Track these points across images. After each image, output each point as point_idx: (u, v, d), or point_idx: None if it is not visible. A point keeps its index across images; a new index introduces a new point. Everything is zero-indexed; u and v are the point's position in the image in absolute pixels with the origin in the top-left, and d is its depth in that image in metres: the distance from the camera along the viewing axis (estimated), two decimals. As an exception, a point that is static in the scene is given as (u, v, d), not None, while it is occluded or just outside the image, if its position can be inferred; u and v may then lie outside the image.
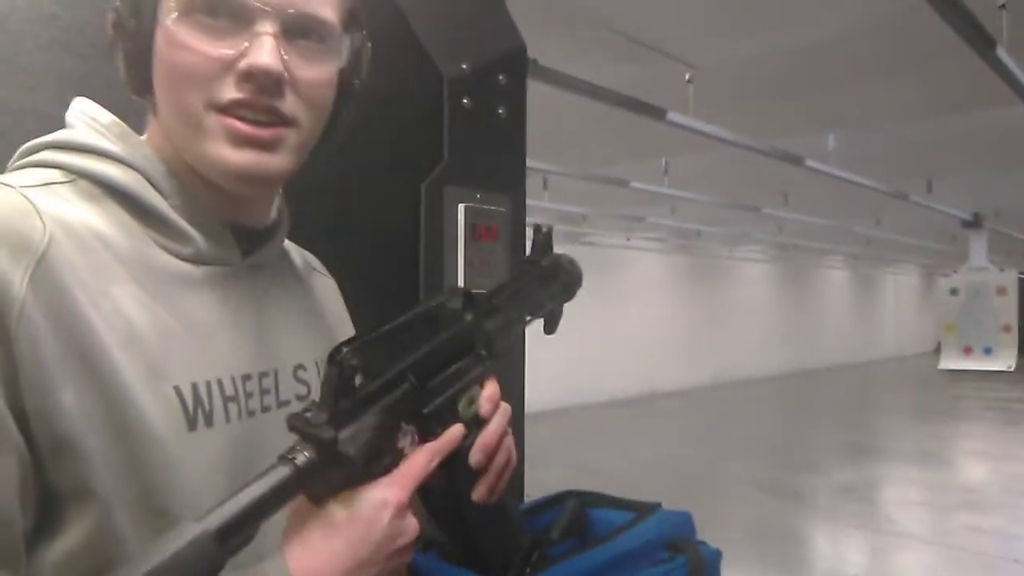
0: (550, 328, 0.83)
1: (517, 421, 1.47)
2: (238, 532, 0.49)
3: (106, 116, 0.64)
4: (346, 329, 0.80)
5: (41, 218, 0.55)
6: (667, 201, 6.13)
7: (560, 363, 9.17)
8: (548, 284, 0.82)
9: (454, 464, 0.65)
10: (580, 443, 8.18)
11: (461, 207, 1.29)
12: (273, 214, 0.74)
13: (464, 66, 1.32)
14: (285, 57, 0.59)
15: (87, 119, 0.63)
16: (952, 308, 6.05)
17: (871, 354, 17.95)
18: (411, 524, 0.58)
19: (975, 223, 5.94)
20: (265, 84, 0.58)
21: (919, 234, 9.09)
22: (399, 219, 1.25)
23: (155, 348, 0.58)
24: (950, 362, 6.14)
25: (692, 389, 12.15)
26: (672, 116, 2.99)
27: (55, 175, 0.60)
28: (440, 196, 1.28)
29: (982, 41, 2.22)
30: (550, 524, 1.25)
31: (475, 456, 0.67)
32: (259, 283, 0.69)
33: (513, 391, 1.42)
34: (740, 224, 8.13)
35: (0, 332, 0.51)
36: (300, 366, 0.71)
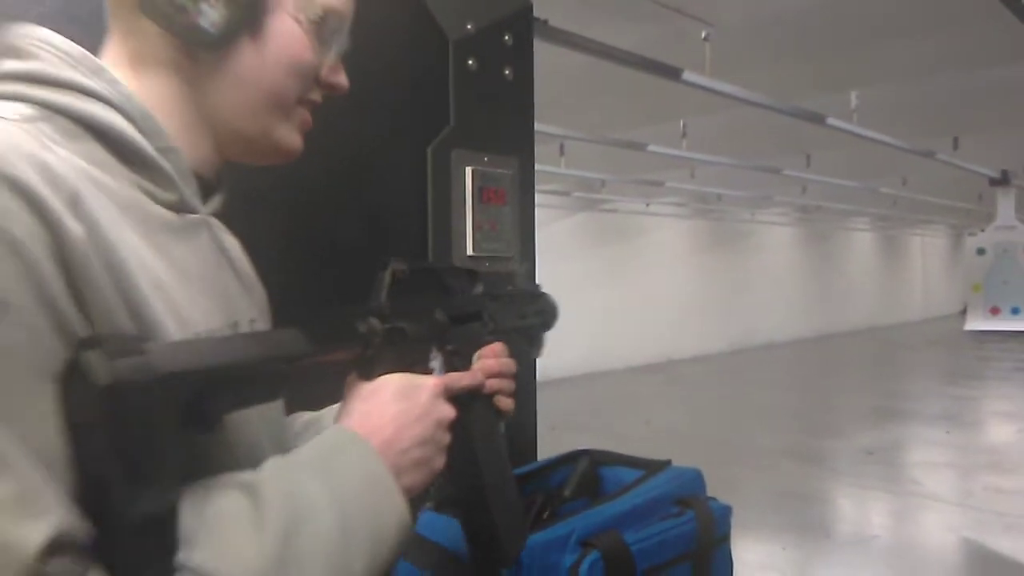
0: (537, 351, 0.96)
1: (529, 390, 1.48)
2: (317, 340, 0.58)
3: (75, 48, 0.59)
4: (259, 287, 0.79)
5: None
6: (686, 164, 6.06)
7: (581, 330, 9.18)
8: (532, 302, 0.95)
9: (469, 417, 0.75)
10: (602, 409, 8.22)
11: (468, 170, 1.29)
12: None
13: (469, 27, 1.31)
14: None
15: (53, 50, 0.58)
16: (979, 268, 5.93)
17: (898, 317, 17.72)
18: (447, 407, 0.68)
19: (1003, 180, 5.80)
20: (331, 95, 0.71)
21: (946, 193, 8.90)
22: (406, 183, 1.25)
23: (172, 294, 0.57)
24: (977, 323, 6.05)
25: (714, 354, 12.12)
26: (688, 76, 2.94)
27: (28, 111, 0.55)
28: (447, 159, 1.28)
29: (1008, -11, 2.15)
30: (562, 482, 1.27)
31: (481, 367, 0.78)
32: (214, 233, 0.69)
33: (524, 362, 1.42)
34: (761, 187, 8.01)
35: (63, 266, 0.47)
36: (253, 320, 0.71)
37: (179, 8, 0.59)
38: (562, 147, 5.38)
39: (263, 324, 0.73)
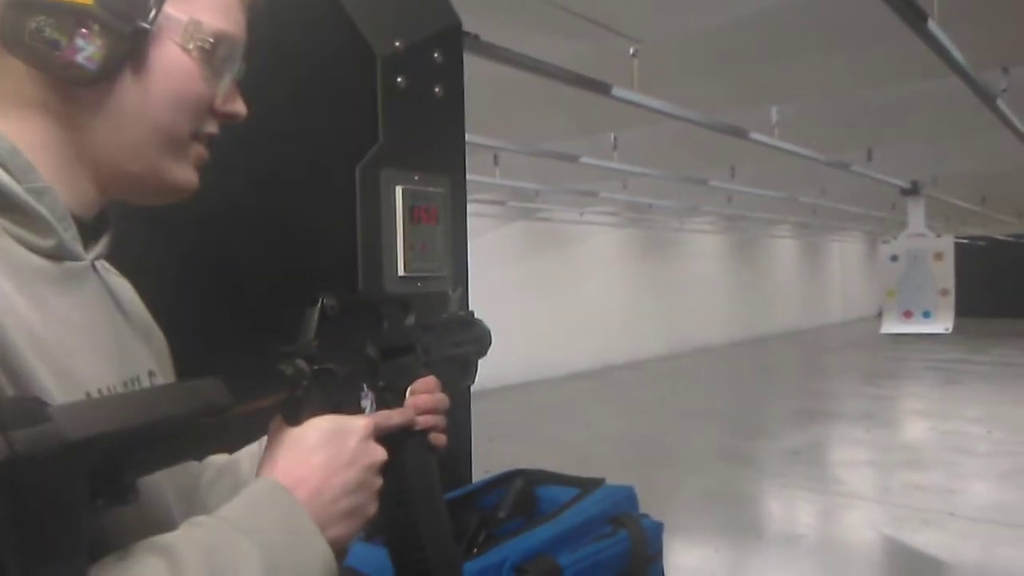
0: (469, 379, 0.94)
1: (463, 408, 1.47)
2: (240, 389, 0.54)
3: None
4: (157, 332, 0.74)
5: None
6: (618, 175, 6.16)
7: (518, 338, 9.20)
8: (466, 330, 0.93)
9: (402, 450, 0.73)
10: (540, 416, 8.26)
11: (398, 189, 1.27)
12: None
13: (397, 44, 1.29)
14: None
15: None
16: (893, 274, 6.22)
17: (819, 319, 18.47)
18: (378, 449, 0.64)
19: (913, 191, 6.11)
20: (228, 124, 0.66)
21: (862, 202, 9.33)
22: (335, 203, 1.22)
23: (55, 351, 0.51)
24: (891, 326, 6.33)
25: (647, 360, 12.35)
26: (617, 91, 2.99)
27: None
28: (376, 179, 1.26)
29: (914, 15, 2.27)
30: (498, 503, 1.26)
31: (413, 404, 0.75)
32: (101, 281, 0.63)
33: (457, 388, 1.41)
34: (690, 197, 8.22)
35: None
36: (152, 372, 0.66)
37: (51, 44, 0.53)
38: (496, 158, 5.39)
39: (163, 374, 0.69)
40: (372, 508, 0.64)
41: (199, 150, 0.64)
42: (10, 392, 0.46)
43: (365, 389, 0.71)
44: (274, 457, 0.61)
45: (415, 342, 0.79)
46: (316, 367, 0.64)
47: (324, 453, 0.61)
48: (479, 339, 0.93)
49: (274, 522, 0.55)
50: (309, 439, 0.61)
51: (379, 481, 0.64)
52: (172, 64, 0.59)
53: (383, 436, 0.67)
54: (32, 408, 0.41)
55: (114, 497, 0.45)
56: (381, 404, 0.72)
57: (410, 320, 0.81)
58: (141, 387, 0.62)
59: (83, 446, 0.42)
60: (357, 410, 0.69)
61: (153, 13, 0.56)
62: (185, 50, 0.59)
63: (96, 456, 0.43)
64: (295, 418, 0.62)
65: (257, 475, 0.62)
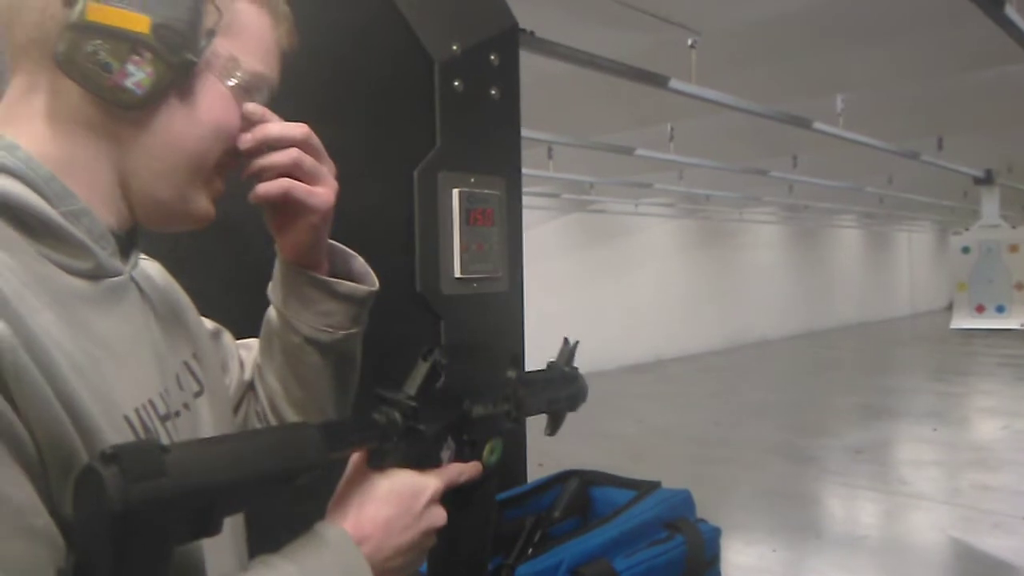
0: (553, 429, 0.92)
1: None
2: (335, 441, 0.59)
3: None
4: (190, 309, 0.77)
5: None
6: (674, 167, 6.07)
7: (571, 331, 9.16)
8: (566, 386, 0.92)
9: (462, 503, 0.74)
10: (593, 410, 8.17)
11: (455, 192, 1.29)
12: None
13: (455, 48, 1.31)
14: None
15: None
16: (964, 266, 5.96)
17: (885, 312, 17.86)
18: (441, 512, 0.68)
19: (987, 180, 5.84)
20: None
21: (931, 191, 8.97)
22: (393, 207, 1.25)
23: (94, 377, 0.53)
24: (962, 321, 6.07)
25: (704, 353, 12.17)
26: (675, 84, 2.94)
27: None
28: (434, 182, 1.27)
29: (990, 1, 2.17)
30: (552, 503, 1.27)
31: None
32: (138, 288, 0.65)
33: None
34: (749, 187, 8.04)
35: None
36: (186, 363, 0.70)
37: (103, 67, 0.55)
38: (550, 151, 5.38)
39: (201, 351, 0.73)
40: (419, 563, 0.67)
41: (218, 184, 0.67)
42: (66, 419, 0.49)
43: (449, 440, 0.72)
44: (347, 502, 0.64)
45: (510, 396, 0.79)
46: (408, 424, 0.65)
47: (392, 510, 0.64)
48: (574, 396, 0.91)
49: (335, 569, 0.59)
50: (381, 493, 0.64)
51: (432, 541, 0.67)
52: (214, 96, 0.62)
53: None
54: (152, 460, 0.45)
55: (203, 532, 0.49)
56: (458, 456, 0.73)
57: (511, 373, 0.80)
58: (180, 383, 0.66)
59: (188, 496, 0.47)
60: (436, 464, 0.71)
61: (203, 48, 0.60)
62: (224, 84, 0.63)
63: (198, 503, 0.48)
64: (378, 463, 0.65)
65: (328, 512, 0.65)
